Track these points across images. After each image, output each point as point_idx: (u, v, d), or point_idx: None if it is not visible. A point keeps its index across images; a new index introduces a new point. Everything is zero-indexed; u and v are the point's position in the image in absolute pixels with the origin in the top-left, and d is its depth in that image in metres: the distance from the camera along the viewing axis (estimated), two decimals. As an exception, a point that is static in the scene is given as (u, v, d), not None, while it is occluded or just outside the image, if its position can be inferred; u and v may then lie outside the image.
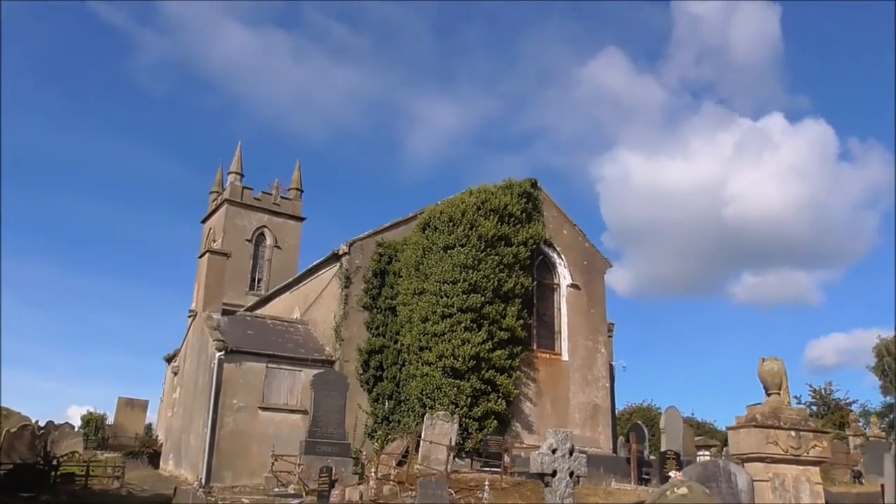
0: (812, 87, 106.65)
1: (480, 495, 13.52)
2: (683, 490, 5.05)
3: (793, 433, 7.52)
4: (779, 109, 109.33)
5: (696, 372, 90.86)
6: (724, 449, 21.58)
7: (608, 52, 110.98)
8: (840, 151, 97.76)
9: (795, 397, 42.83)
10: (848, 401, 40.42)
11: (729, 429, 8.13)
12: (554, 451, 7.66)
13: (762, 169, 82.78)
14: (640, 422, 28.42)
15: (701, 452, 24.54)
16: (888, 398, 36.71)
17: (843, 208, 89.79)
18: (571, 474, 7.73)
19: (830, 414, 39.20)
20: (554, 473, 7.61)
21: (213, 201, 40.91)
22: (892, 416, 35.47)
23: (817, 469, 7.77)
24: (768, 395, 7.85)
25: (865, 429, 31.65)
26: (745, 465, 7.59)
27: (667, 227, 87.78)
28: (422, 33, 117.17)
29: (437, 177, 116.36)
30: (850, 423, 31.45)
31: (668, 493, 5.06)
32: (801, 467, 7.58)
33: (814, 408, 41.13)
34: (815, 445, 7.62)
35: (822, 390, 41.27)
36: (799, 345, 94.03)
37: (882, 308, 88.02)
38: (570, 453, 7.76)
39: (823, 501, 7.62)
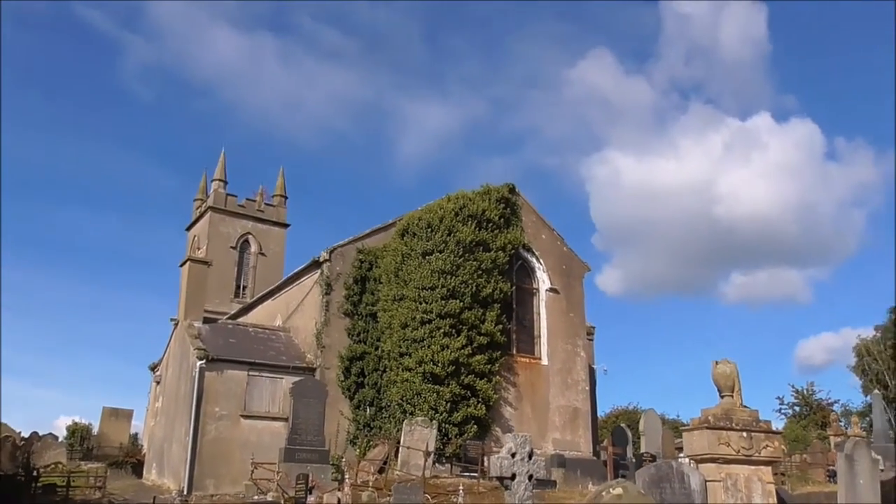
0: (799, 87, 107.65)
1: (456, 500, 13.68)
2: (618, 490, 5.24)
3: (744, 434, 7.74)
4: (766, 109, 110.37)
5: (685, 372, 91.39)
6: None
7: (597, 53, 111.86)
8: (827, 150, 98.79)
9: (778, 398, 43.37)
10: (830, 401, 40.95)
11: (682, 430, 8.34)
12: (513, 455, 7.83)
13: (751, 168, 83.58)
14: (623, 425, 28.64)
15: (682, 455, 24.77)
16: (868, 398, 37.05)
17: (831, 207, 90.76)
18: (531, 477, 7.90)
19: (812, 414, 39.66)
20: (513, 477, 7.78)
21: (198, 209, 40.93)
22: (870, 417, 35.82)
23: (769, 468, 7.99)
24: (721, 397, 8.07)
25: (847, 428, 31.99)
26: (699, 465, 7.80)
27: (656, 227, 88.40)
28: (411, 36, 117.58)
29: (426, 180, 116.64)
30: (831, 423, 31.77)
31: (603, 493, 5.25)
32: (752, 467, 7.79)
33: (796, 408, 41.62)
34: (767, 446, 7.84)
35: (805, 391, 41.79)
36: (789, 344, 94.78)
37: (869, 307, 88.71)
38: (530, 457, 7.94)
39: (775, 500, 7.83)
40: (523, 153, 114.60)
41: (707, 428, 7.67)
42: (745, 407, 8.19)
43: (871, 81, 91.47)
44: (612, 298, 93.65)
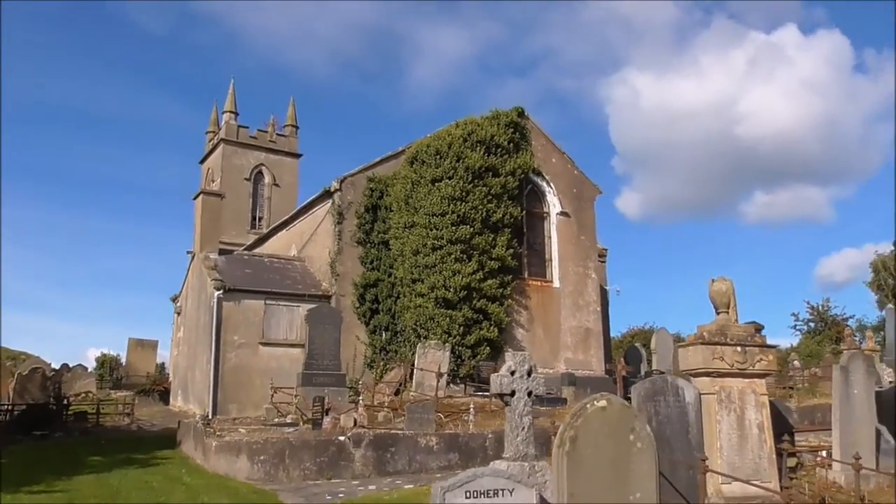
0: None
1: (466, 418, 14.15)
2: (602, 403, 5.46)
3: (738, 349, 7.92)
4: (793, 20, 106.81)
5: (703, 293, 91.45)
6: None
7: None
8: (855, 63, 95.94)
9: (793, 314, 43.62)
10: (845, 316, 41.08)
11: (678, 346, 8.55)
12: (513, 373, 8.08)
13: (775, 85, 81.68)
14: (638, 344, 29.07)
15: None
16: (883, 312, 37.18)
17: (857, 123, 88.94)
18: (530, 394, 8.16)
19: (827, 330, 39.87)
20: (513, 393, 8.04)
21: (210, 141, 40.98)
22: (883, 332, 36.02)
23: (763, 381, 8.19)
24: (718, 313, 8.22)
25: (861, 343, 32.25)
26: (694, 380, 8.02)
27: (677, 149, 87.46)
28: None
29: (441, 106, 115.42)
30: (846, 338, 31.94)
31: (588, 405, 5.47)
32: (746, 380, 8.00)
33: (811, 324, 41.85)
34: (761, 359, 8.03)
35: (820, 307, 41.90)
36: (811, 262, 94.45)
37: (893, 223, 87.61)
38: (529, 374, 8.17)
39: (769, 411, 8.07)
40: (540, 76, 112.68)
41: (702, 343, 7.86)
42: (742, 324, 8.36)
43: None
44: (632, 221, 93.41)
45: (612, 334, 32.92)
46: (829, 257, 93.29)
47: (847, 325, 37.86)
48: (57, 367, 26.51)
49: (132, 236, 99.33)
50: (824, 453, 9.96)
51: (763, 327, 23.74)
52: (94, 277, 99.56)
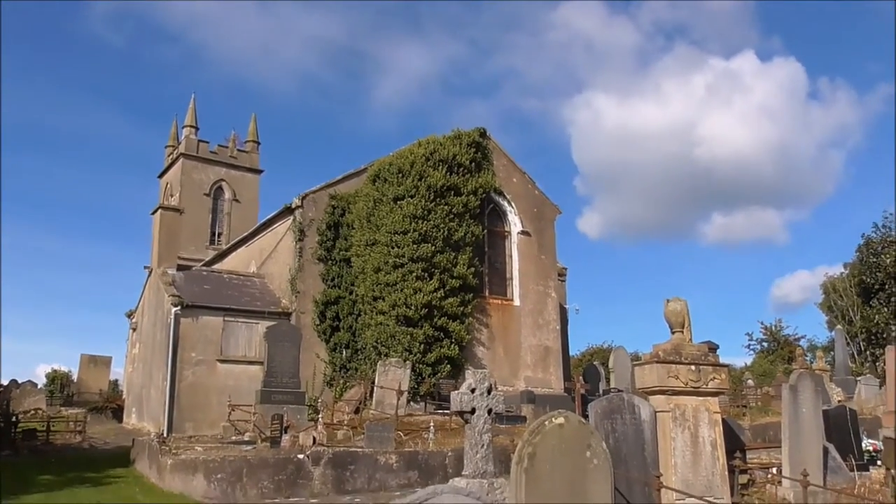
0: (784, 27, 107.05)
1: (426, 437, 14.15)
2: (560, 420, 5.56)
3: (693, 367, 8.11)
4: (751, 48, 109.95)
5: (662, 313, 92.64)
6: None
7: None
8: (810, 90, 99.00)
9: (747, 334, 44.57)
10: (797, 336, 42.18)
11: (634, 365, 8.73)
12: (473, 391, 8.17)
13: (733, 110, 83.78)
14: (596, 363, 29.42)
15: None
16: (833, 333, 38.20)
17: (811, 147, 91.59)
18: (490, 411, 8.26)
19: (780, 349, 40.84)
20: (473, 411, 8.13)
21: (169, 156, 40.53)
22: (833, 352, 37.00)
23: (716, 399, 8.40)
24: (672, 333, 8.42)
25: (812, 363, 33.08)
26: (650, 398, 8.20)
27: (637, 170, 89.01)
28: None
29: (404, 125, 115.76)
30: (797, 358, 32.72)
31: (546, 423, 5.57)
32: (700, 398, 8.19)
33: (765, 344, 42.82)
34: (714, 378, 8.24)
35: (773, 327, 42.95)
36: (766, 283, 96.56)
37: (845, 246, 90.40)
38: (489, 392, 8.28)
39: (721, 428, 8.27)
40: (503, 96, 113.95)
41: (657, 362, 8.04)
42: (696, 343, 8.58)
43: (861, 20, 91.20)
44: (593, 240, 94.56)
45: (571, 353, 33.30)
46: (784, 278, 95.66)
47: (798, 346, 38.79)
48: (5, 383, 25.79)
49: (85, 253, 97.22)
50: (775, 470, 10.20)
51: (718, 346, 24.29)
52: (47, 295, 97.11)
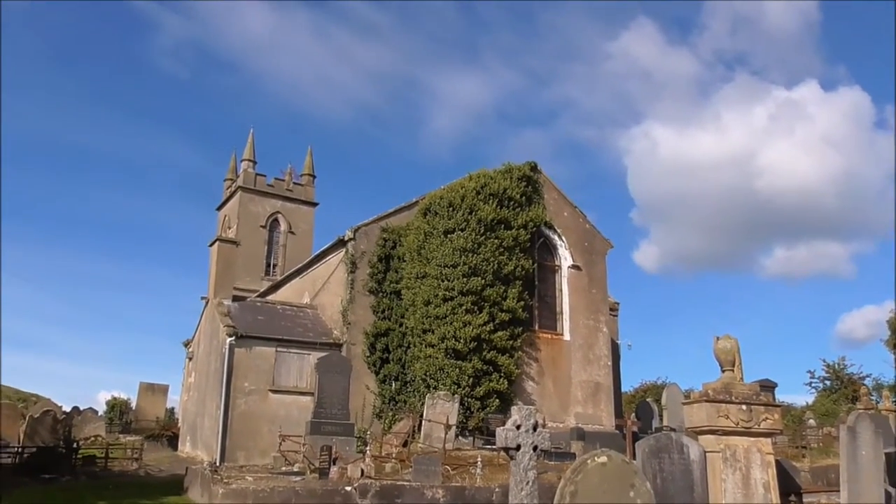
0: (848, 55, 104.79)
1: (474, 472, 14.07)
2: (603, 459, 5.52)
3: (743, 407, 7.95)
4: (814, 77, 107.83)
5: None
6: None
7: (639, 24, 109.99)
8: (876, 119, 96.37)
9: (809, 372, 42.99)
10: (861, 375, 40.53)
11: (683, 404, 8.58)
12: (518, 427, 8.12)
13: (795, 139, 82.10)
14: (649, 399, 28.83)
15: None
16: (899, 371, 36.70)
17: (877, 177, 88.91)
18: (535, 448, 8.19)
19: (843, 388, 39.31)
20: (518, 448, 8.08)
21: (228, 188, 41.72)
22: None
23: (769, 440, 8.19)
24: (723, 371, 8.27)
25: (878, 402, 31.81)
26: (699, 437, 8.04)
27: (696, 201, 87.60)
28: (444, 6, 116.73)
29: (459, 155, 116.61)
30: (862, 397, 31.56)
31: (588, 461, 5.54)
32: (752, 439, 8.01)
33: (827, 382, 41.27)
34: (766, 418, 8.05)
35: (836, 365, 41.39)
36: (831, 318, 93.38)
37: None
38: (535, 428, 8.20)
39: (775, 471, 8.05)
40: (559, 126, 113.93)
41: (706, 401, 7.90)
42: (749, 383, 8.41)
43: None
44: (649, 273, 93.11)
45: (623, 388, 32.64)
46: (850, 314, 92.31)
47: (863, 384, 37.34)
48: (68, 409, 26.65)
49: (146, 281, 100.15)
50: (833, 515, 9.85)
51: (776, 385, 23.60)
52: (108, 321, 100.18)
